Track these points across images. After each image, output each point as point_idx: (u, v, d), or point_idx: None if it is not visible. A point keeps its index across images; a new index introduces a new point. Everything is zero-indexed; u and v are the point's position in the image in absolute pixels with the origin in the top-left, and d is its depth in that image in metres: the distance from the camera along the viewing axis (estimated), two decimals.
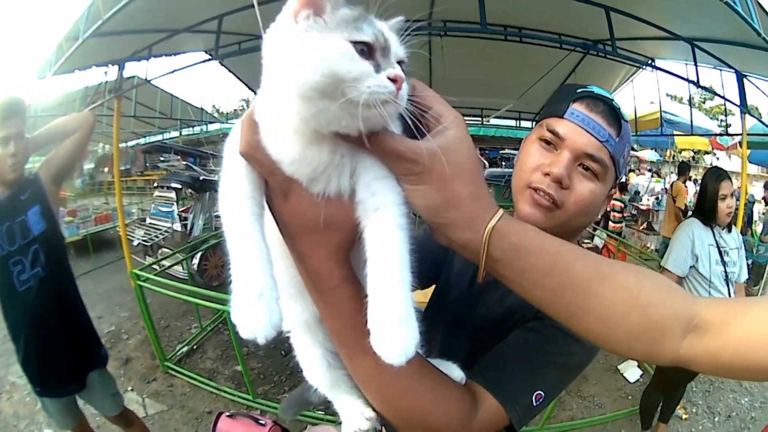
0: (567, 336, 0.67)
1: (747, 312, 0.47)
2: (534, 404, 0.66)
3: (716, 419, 3.27)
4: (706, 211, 2.37)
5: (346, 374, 0.64)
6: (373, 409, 0.66)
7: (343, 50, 0.40)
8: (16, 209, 1.80)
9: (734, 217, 2.65)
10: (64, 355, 1.93)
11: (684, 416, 3.25)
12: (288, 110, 0.43)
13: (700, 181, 2.58)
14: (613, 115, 0.74)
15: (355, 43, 0.41)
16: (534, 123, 6.86)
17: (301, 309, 0.59)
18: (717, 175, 2.41)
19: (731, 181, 2.37)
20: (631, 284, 0.49)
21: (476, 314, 0.83)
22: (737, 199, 3.62)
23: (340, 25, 0.41)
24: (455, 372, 0.66)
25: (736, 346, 0.45)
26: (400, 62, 0.45)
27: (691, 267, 2.34)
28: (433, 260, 0.93)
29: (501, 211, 0.48)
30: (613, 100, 0.76)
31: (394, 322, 0.43)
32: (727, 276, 2.31)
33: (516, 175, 0.80)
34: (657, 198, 10.87)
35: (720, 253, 2.32)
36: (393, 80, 0.42)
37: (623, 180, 8.79)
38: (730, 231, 2.41)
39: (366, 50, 0.42)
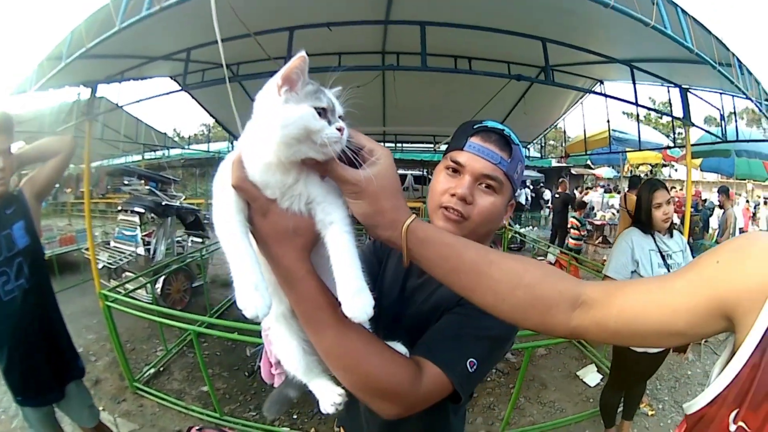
0: (483, 313, 0.79)
1: (623, 288, 0.62)
2: (470, 370, 0.82)
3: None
4: (643, 220, 2.52)
5: (318, 359, 0.80)
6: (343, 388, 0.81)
7: (310, 114, 0.61)
8: (1, 223, 1.84)
9: (679, 222, 2.79)
10: (45, 365, 1.96)
11: (650, 412, 3.33)
12: (270, 151, 0.62)
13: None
14: (504, 141, 0.93)
15: (316, 108, 0.62)
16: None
17: (276, 304, 0.75)
18: (650, 185, 2.57)
19: (667, 190, 2.51)
20: (517, 268, 0.65)
21: (409, 313, 0.98)
22: (682, 206, 3.85)
23: (307, 97, 0.62)
24: (400, 348, 0.83)
25: (617, 314, 0.59)
26: (341, 116, 0.66)
27: (633, 272, 2.46)
28: (369, 274, 1.06)
29: (413, 216, 0.67)
30: (504, 130, 0.95)
31: (355, 292, 0.64)
32: None
33: (430, 199, 0.99)
34: (614, 213, 11.33)
35: (663, 257, 2.45)
36: (339, 129, 0.63)
37: (582, 199, 9.09)
38: (672, 236, 2.53)
39: (322, 112, 0.62)
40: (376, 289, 1.01)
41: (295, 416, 3.26)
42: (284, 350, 0.84)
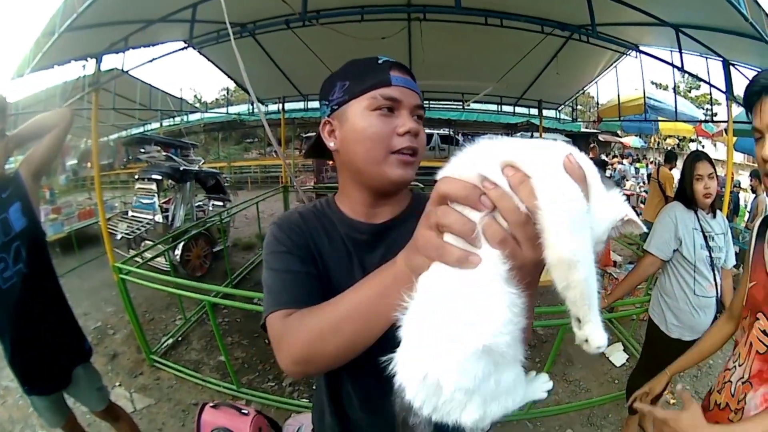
0: None
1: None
2: None
3: None
4: (685, 193, 2.37)
5: None
6: None
7: None
8: None
9: (719, 202, 2.65)
10: (50, 351, 1.91)
11: (672, 401, 3.21)
12: None
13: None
14: (409, 72, 0.90)
15: None
16: (514, 107, 6.83)
17: None
18: (694, 156, 2.42)
19: (711, 163, 2.34)
20: None
21: None
22: (722, 186, 3.64)
23: None
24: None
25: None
26: None
27: (675, 251, 2.33)
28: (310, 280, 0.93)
29: None
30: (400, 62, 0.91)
31: None
32: (712, 261, 2.30)
33: (370, 148, 0.85)
34: (641, 183, 11.01)
35: (705, 237, 2.30)
36: None
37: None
38: (714, 216, 2.38)
39: None
40: (324, 282, 0.88)
41: (314, 386, 3.24)
42: None
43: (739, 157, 14.69)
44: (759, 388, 1.15)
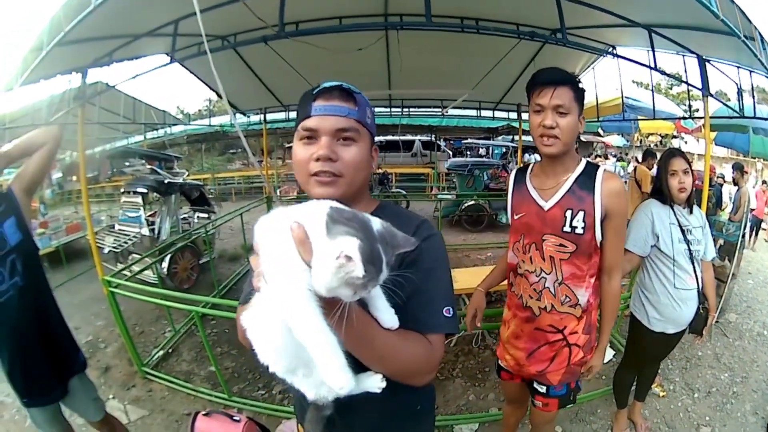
0: (431, 269, 0.98)
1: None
2: (449, 316, 0.97)
3: (696, 395, 3.30)
4: (660, 189, 2.42)
5: None
6: None
7: (348, 290, 0.67)
8: None
9: (697, 197, 2.69)
10: (47, 363, 1.94)
11: (661, 393, 3.28)
12: None
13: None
14: (346, 93, 0.98)
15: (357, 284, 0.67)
16: (493, 111, 6.98)
17: None
18: (668, 153, 2.47)
19: (685, 159, 2.39)
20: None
21: None
22: (701, 180, 3.70)
23: (350, 282, 0.65)
24: (393, 318, 0.88)
25: None
26: None
27: (652, 246, 2.38)
28: None
29: None
30: (341, 84, 0.99)
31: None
32: (691, 254, 2.35)
33: (298, 173, 1.02)
34: (626, 180, 11.13)
35: (682, 231, 2.34)
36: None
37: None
38: (691, 211, 2.43)
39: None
40: None
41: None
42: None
43: (723, 152, 14.93)
44: (579, 286, 1.66)
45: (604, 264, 1.70)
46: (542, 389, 1.86)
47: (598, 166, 1.70)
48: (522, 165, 1.93)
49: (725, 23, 2.32)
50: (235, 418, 2.12)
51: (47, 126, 2.21)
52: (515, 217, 1.78)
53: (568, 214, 1.61)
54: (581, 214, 1.59)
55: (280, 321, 0.70)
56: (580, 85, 1.55)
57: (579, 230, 1.60)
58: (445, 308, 0.97)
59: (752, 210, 8.24)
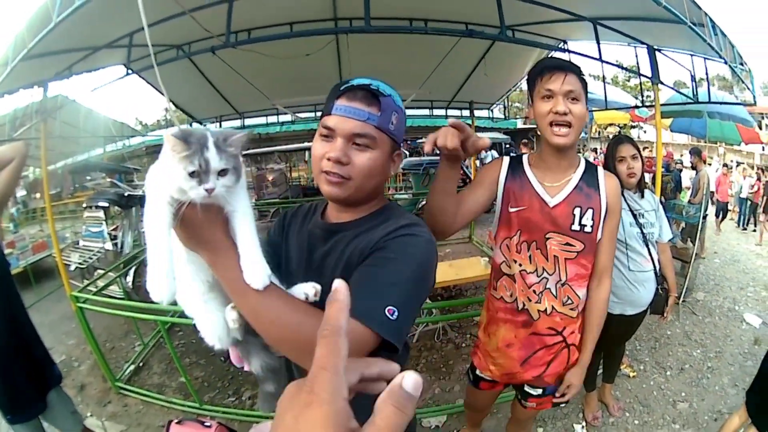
0: (391, 259, 0.90)
1: None
2: (390, 318, 0.83)
3: (668, 373, 3.36)
4: None
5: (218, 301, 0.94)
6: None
7: (181, 174, 0.73)
8: None
9: (647, 182, 2.78)
10: (26, 378, 1.93)
11: (632, 374, 3.33)
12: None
13: None
14: (371, 96, 0.96)
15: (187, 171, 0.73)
16: (446, 110, 7.06)
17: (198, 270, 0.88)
18: (616, 140, 2.56)
19: (633, 145, 2.47)
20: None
21: (324, 282, 0.94)
22: (653, 166, 3.83)
23: (181, 161, 0.73)
24: (309, 290, 0.89)
25: None
26: (223, 170, 0.76)
27: None
28: (273, 246, 1.15)
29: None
30: (371, 84, 0.97)
31: (252, 263, 0.79)
32: (644, 236, 2.42)
33: (313, 166, 1.05)
34: None
35: (634, 215, 2.42)
36: (208, 190, 0.74)
37: None
38: (643, 196, 2.50)
39: (194, 173, 0.73)
40: (283, 260, 1.12)
41: None
42: (204, 320, 0.94)
43: (683, 138, 15.42)
44: (582, 286, 1.60)
45: (596, 268, 1.63)
46: (537, 392, 1.78)
47: (594, 164, 1.67)
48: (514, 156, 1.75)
49: (668, 10, 2.35)
50: (206, 424, 2.12)
51: (11, 142, 2.17)
52: (511, 210, 1.60)
53: (577, 212, 1.53)
54: (590, 212, 1.53)
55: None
56: (583, 76, 1.48)
57: (588, 228, 1.53)
58: (388, 307, 0.83)
59: (712, 194, 8.51)
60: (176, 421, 2.16)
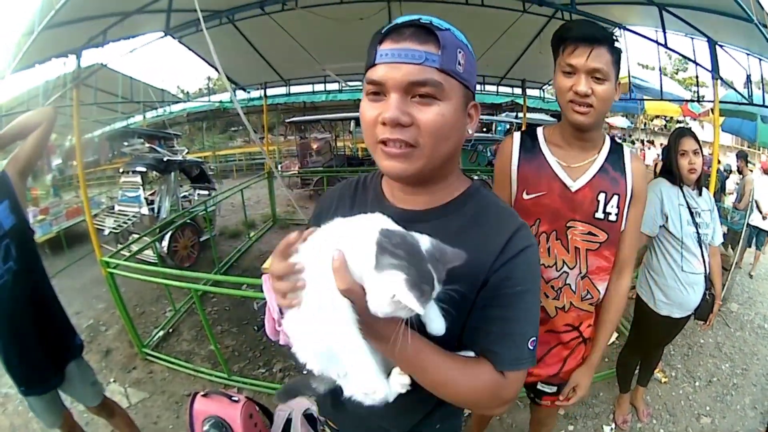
0: (520, 293, 0.80)
1: None
2: (531, 348, 0.80)
3: (697, 384, 3.28)
4: (670, 169, 2.36)
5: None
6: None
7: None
8: None
9: (706, 180, 2.64)
10: (43, 349, 1.91)
11: (663, 379, 3.26)
12: None
13: None
14: (425, 31, 0.71)
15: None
16: (497, 87, 6.83)
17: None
18: (678, 132, 2.41)
19: (696, 139, 2.33)
20: None
21: None
22: (709, 166, 3.64)
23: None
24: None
25: None
26: None
27: (661, 227, 2.33)
28: None
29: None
30: (420, 18, 0.73)
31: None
32: (699, 237, 2.29)
33: (365, 136, 0.80)
34: None
35: (691, 213, 2.29)
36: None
37: None
38: (700, 194, 2.37)
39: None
40: None
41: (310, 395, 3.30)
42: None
43: (727, 140, 14.77)
44: (603, 279, 1.46)
45: (618, 259, 1.48)
46: (551, 390, 1.66)
47: (621, 144, 1.50)
48: (526, 129, 1.55)
49: (739, 4, 2.25)
50: (233, 398, 2.12)
51: (42, 107, 2.16)
52: (527, 197, 1.42)
53: (601, 197, 1.37)
54: (615, 198, 1.37)
55: (323, 338, 0.71)
56: (617, 45, 1.28)
57: (612, 217, 1.38)
58: (531, 339, 0.80)
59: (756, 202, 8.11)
60: (202, 393, 2.17)
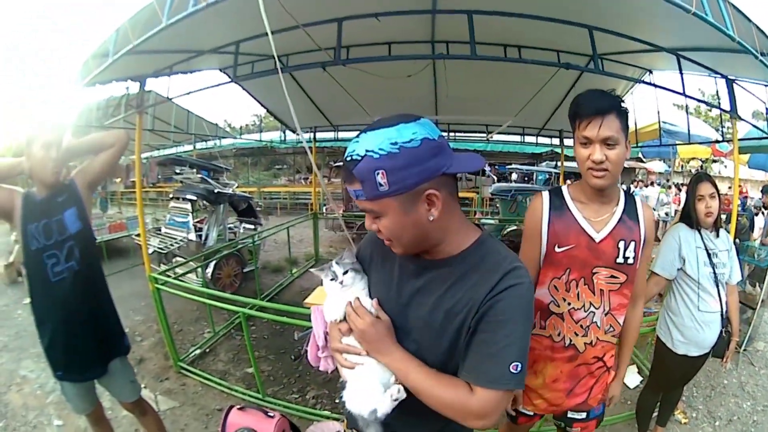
0: (502, 321, 0.92)
1: None
2: (514, 372, 0.90)
3: (717, 423, 3.24)
4: (688, 213, 2.45)
5: None
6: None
7: None
8: (53, 209, 1.97)
9: (725, 221, 2.67)
10: (91, 343, 2.06)
11: (683, 420, 3.22)
12: None
13: None
14: (350, 172, 0.93)
15: None
16: (536, 137, 6.85)
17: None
18: (696, 177, 2.50)
19: (712, 184, 2.42)
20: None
21: (413, 316, 1.04)
22: (730, 204, 3.65)
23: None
24: (393, 391, 1.03)
25: None
26: None
27: (679, 269, 2.40)
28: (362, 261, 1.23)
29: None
30: (346, 158, 0.94)
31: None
32: (716, 277, 2.35)
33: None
34: (666, 212, 10.78)
35: (708, 254, 2.36)
36: None
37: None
38: (718, 235, 2.44)
39: None
40: (369, 274, 1.18)
41: (337, 400, 3.35)
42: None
43: (761, 175, 14.34)
44: (622, 313, 1.64)
45: (633, 292, 1.66)
46: (581, 416, 1.80)
47: (632, 193, 1.70)
48: (553, 187, 1.77)
49: (741, 44, 2.29)
50: (269, 414, 2.18)
51: (115, 130, 2.38)
52: (558, 250, 1.59)
53: (621, 245, 1.55)
54: (633, 244, 1.56)
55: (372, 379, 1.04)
56: (624, 106, 1.46)
57: (630, 260, 1.56)
58: (513, 364, 0.90)
59: None
60: (238, 407, 2.24)
